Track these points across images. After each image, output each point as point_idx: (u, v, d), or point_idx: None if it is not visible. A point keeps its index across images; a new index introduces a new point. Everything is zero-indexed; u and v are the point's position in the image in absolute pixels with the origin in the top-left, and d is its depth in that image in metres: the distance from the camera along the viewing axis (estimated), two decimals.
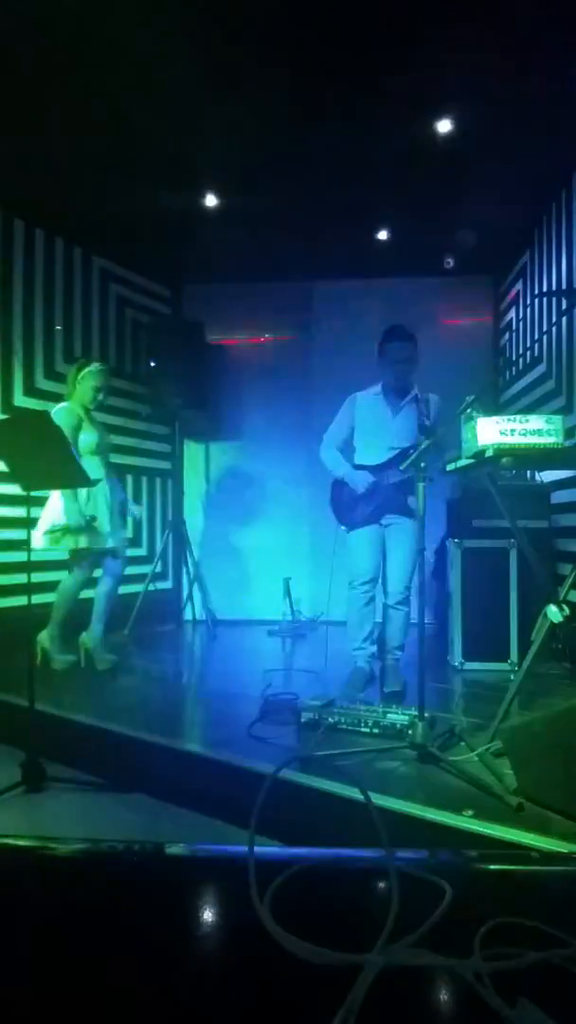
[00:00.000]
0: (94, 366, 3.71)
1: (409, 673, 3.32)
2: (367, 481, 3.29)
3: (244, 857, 0.61)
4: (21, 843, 0.77)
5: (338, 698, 2.86)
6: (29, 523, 2.80)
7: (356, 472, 3.35)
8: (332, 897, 0.64)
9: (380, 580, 3.42)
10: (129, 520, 4.00)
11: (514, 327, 5.23)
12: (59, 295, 4.80)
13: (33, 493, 2.65)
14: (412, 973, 0.50)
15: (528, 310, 4.89)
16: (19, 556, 3.58)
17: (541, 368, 4.61)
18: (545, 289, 4.52)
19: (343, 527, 3.44)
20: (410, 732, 2.38)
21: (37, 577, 2.76)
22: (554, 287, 4.35)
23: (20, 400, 4.44)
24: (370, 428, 3.41)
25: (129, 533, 3.81)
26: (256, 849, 0.61)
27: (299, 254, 5.02)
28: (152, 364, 5.15)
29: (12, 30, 2.83)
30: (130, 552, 5.37)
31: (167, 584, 5.77)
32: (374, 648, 3.44)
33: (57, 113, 3.38)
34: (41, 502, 3.53)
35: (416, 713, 2.37)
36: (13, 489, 2.77)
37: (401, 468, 3.14)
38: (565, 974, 0.50)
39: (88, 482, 2.87)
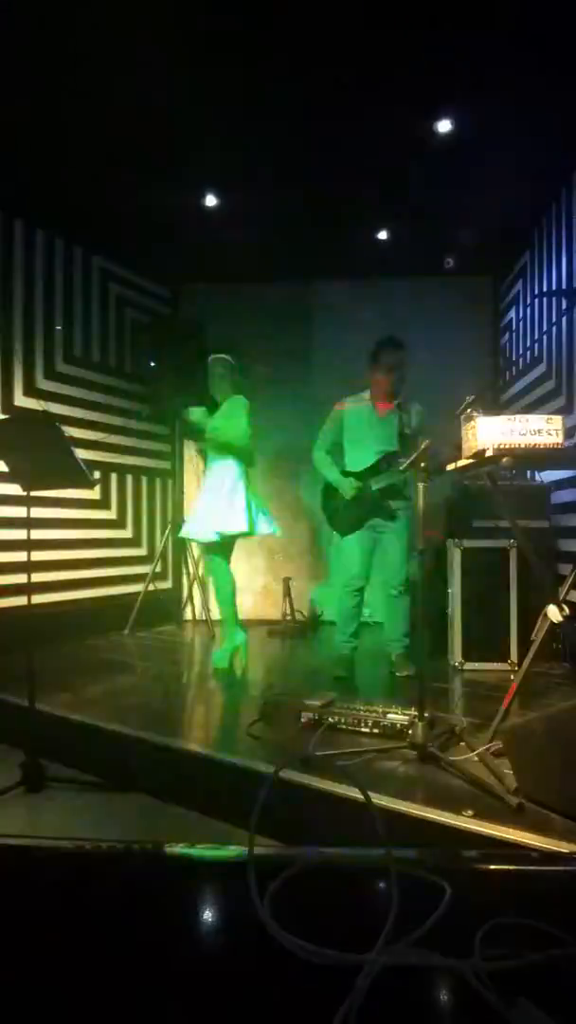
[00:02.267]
0: None
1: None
2: (352, 487, 3.54)
3: (244, 857, 0.61)
4: (21, 843, 0.78)
5: (336, 698, 2.88)
6: (29, 523, 2.80)
7: (343, 479, 3.58)
8: (332, 897, 0.64)
9: (369, 580, 3.67)
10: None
11: (514, 327, 5.23)
12: (59, 295, 4.80)
13: (33, 493, 2.65)
14: (412, 973, 0.50)
15: (528, 310, 4.89)
16: (19, 556, 3.58)
17: (541, 368, 4.61)
18: (545, 289, 4.52)
19: (336, 532, 3.69)
20: (410, 732, 2.38)
21: (37, 577, 2.76)
22: (554, 287, 4.35)
23: (20, 400, 4.44)
24: (358, 435, 3.63)
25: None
26: (256, 849, 0.61)
27: (299, 254, 5.02)
28: (152, 364, 5.15)
29: (11, 31, 2.83)
30: (130, 552, 5.40)
31: (167, 584, 5.77)
32: (357, 641, 3.69)
33: (57, 113, 3.38)
34: (41, 502, 3.53)
35: (416, 713, 2.37)
36: (14, 489, 2.77)
37: (402, 469, 3.22)
38: (565, 974, 0.50)
39: (89, 483, 2.86)
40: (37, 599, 2.73)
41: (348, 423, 3.64)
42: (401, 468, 3.32)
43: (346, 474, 3.59)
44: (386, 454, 3.50)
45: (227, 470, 3.72)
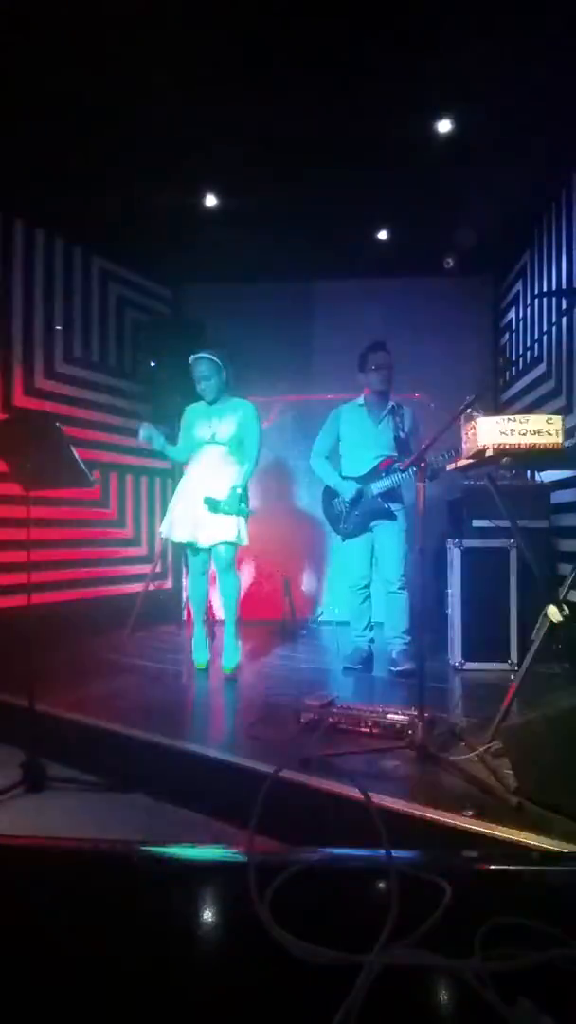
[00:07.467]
0: None
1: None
2: (353, 489, 3.64)
3: (244, 857, 0.61)
4: (21, 843, 0.77)
5: (338, 698, 2.88)
6: (29, 523, 2.79)
7: (343, 481, 3.69)
8: (332, 897, 0.64)
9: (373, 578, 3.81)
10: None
11: (514, 327, 5.23)
12: (59, 295, 4.80)
13: (33, 493, 2.65)
14: (412, 973, 0.50)
15: (528, 310, 4.89)
16: (19, 556, 3.57)
17: (541, 368, 4.61)
18: (545, 289, 4.51)
19: (338, 535, 3.82)
20: (410, 732, 2.38)
21: (37, 577, 2.75)
22: (554, 287, 4.35)
23: (20, 400, 4.44)
24: (355, 439, 3.73)
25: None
26: (256, 849, 0.61)
27: (299, 254, 5.02)
28: (152, 364, 5.15)
29: (11, 29, 2.83)
30: (130, 552, 5.39)
31: (167, 584, 5.77)
32: (372, 635, 3.85)
33: (57, 113, 3.38)
34: (41, 502, 3.52)
35: (416, 713, 2.37)
36: (14, 489, 2.77)
37: (401, 468, 3.36)
38: (565, 974, 0.50)
39: (88, 483, 2.85)
40: (37, 599, 2.72)
41: (344, 428, 3.74)
42: (402, 469, 3.46)
43: (345, 478, 3.71)
44: (384, 459, 3.63)
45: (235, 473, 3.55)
